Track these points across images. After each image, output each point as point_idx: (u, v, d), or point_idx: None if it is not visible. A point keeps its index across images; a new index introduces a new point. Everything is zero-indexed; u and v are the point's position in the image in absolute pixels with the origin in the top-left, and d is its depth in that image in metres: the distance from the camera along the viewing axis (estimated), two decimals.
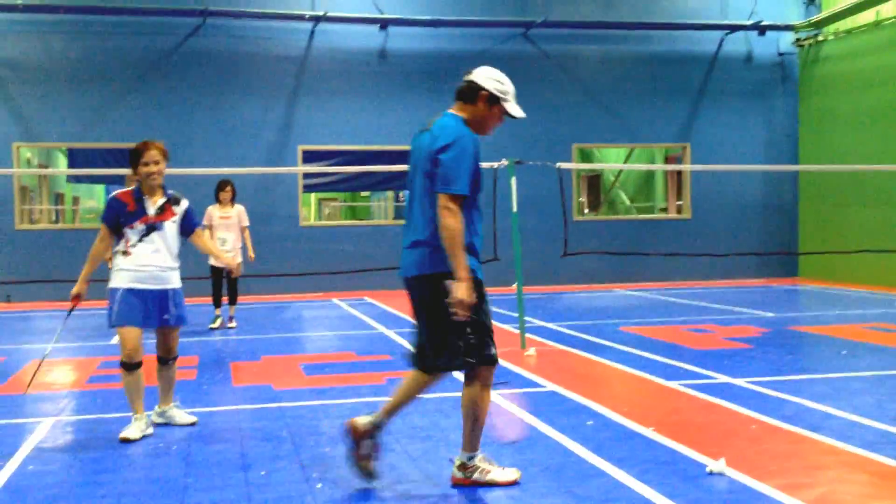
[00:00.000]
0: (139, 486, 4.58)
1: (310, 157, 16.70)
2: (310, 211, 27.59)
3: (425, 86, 16.91)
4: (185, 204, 5.92)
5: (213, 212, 11.11)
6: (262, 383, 7.48)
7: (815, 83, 18.06)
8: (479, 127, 4.53)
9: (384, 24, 16.68)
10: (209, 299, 11.47)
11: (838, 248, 16.19)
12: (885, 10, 16.32)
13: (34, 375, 6.72)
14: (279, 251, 15.64)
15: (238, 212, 11.17)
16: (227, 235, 10.96)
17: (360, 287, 16.01)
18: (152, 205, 5.73)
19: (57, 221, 20.74)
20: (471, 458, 4.50)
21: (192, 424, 5.86)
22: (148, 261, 5.67)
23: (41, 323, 12.54)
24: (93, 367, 8.54)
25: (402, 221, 23.38)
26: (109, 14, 15.64)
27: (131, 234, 5.66)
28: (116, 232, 5.69)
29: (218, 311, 11.44)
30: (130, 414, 5.69)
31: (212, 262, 11.02)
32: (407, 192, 4.53)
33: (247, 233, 11.22)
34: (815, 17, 17.68)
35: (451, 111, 4.57)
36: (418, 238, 4.40)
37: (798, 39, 18.33)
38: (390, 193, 28.91)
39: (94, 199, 24.42)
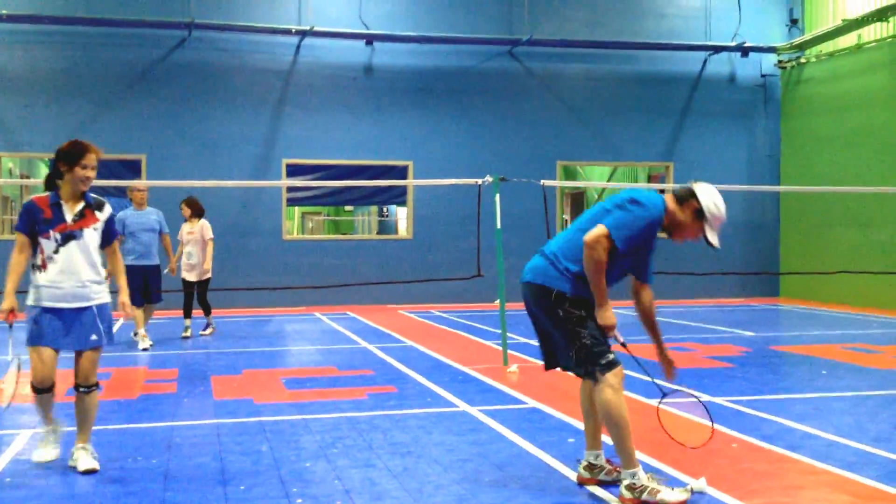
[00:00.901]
0: (118, 499, 4.53)
1: (294, 170, 16.69)
2: (293, 225, 27.54)
3: (411, 101, 16.97)
4: (108, 210, 5.27)
5: (183, 227, 11.83)
6: (243, 397, 7.44)
7: (797, 105, 18.23)
8: (673, 226, 4.76)
9: (370, 39, 16.72)
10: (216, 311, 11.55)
11: (819, 268, 16.31)
12: (866, 34, 16.53)
13: (15, 388, 6.65)
14: (262, 264, 15.60)
15: (201, 226, 11.69)
16: (193, 249, 11.62)
17: (342, 301, 15.98)
18: (70, 210, 5.09)
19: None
20: (634, 476, 4.43)
21: (92, 472, 4.98)
22: (66, 276, 5.03)
23: (19, 334, 12.39)
24: (70, 379, 8.44)
25: (385, 236, 23.19)
26: (94, 25, 15.58)
27: (46, 245, 5.01)
28: (34, 241, 5.04)
29: (188, 322, 11.69)
30: (42, 430, 5.29)
31: (184, 275, 11.64)
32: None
33: (210, 245, 11.67)
34: (798, 40, 17.88)
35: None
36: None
37: (780, 61, 18.52)
38: (374, 208, 28.96)
39: None
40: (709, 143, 18.26)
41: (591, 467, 4.76)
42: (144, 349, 10.34)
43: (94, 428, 6.37)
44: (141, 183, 12.12)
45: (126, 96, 15.87)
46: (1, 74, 15.44)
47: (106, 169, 16.06)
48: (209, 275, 11.67)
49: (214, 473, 5.02)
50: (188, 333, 11.56)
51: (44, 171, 20.06)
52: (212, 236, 11.69)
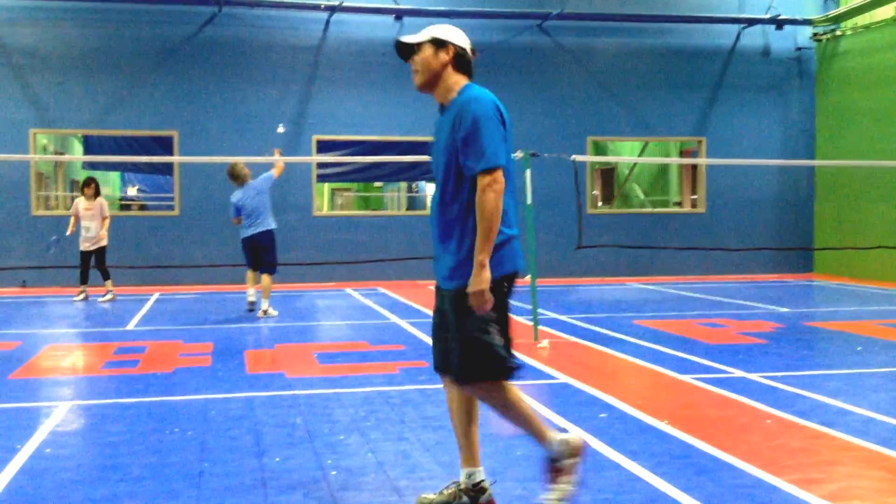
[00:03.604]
0: (155, 470, 4.60)
1: (324, 146, 16.72)
2: (322, 201, 27.62)
3: None
4: None
5: (79, 203, 13.26)
6: (276, 371, 7.51)
7: (833, 78, 17.95)
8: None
9: (399, 14, 16.66)
10: (236, 287, 11.66)
11: (854, 244, 16.12)
12: None
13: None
14: (292, 240, 15.67)
15: (100, 203, 13.27)
16: (91, 224, 13.14)
17: (372, 277, 16.05)
18: None
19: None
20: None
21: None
22: None
23: (56, 308, 12.61)
24: (109, 352, 8.59)
25: (415, 212, 23.25)
26: (125, 2, 15.66)
27: None
28: None
29: (82, 287, 13.36)
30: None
31: (81, 246, 13.24)
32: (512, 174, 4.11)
33: (106, 221, 13.33)
34: (834, 12, 17.57)
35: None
36: None
37: (816, 34, 18.21)
38: (403, 184, 28.95)
39: (109, 186, 24.51)
40: (742, 118, 18.04)
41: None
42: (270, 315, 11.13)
43: (130, 400, 6.48)
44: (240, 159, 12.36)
45: (157, 73, 15.95)
46: (34, 52, 15.57)
47: (139, 145, 16.23)
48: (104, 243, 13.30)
49: (250, 445, 5.08)
50: (80, 297, 13.29)
51: (77, 147, 20.28)
52: (108, 214, 13.38)
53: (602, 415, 5.80)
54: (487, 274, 3.69)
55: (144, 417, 5.79)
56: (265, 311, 11.11)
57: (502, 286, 3.86)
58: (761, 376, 7.07)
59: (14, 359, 8.12)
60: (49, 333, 10.09)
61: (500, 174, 3.72)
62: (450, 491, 4.05)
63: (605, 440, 5.12)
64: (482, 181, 3.70)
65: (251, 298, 11.55)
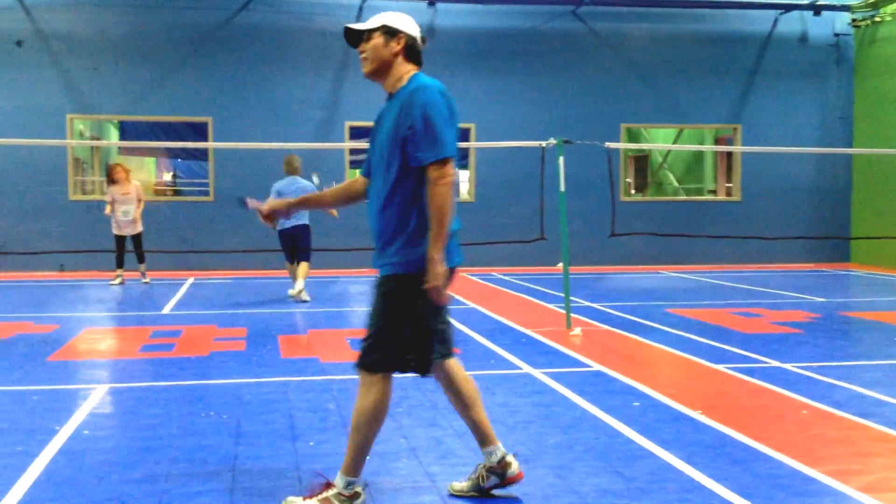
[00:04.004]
0: (191, 453, 4.66)
1: (357, 133, 16.75)
2: None
3: (472, 63, 16.86)
4: None
5: (114, 189, 13.43)
6: (310, 356, 7.56)
7: (872, 65, 17.66)
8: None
9: (432, 0, 16.62)
10: (269, 272, 11.74)
11: (892, 233, 15.88)
12: None
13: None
14: (325, 226, 15.72)
15: (135, 187, 13.59)
16: (130, 208, 13.44)
17: None
18: None
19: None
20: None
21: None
22: None
23: (93, 292, 12.77)
24: (145, 336, 8.69)
25: None
26: None
27: None
28: None
29: (119, 271, 13.59)
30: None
31: (114, 230, 13.46)
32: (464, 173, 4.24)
33: (142, 204, 13.64)
34: None
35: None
36: None
37: (854, 20, 17.93)
38: None
39: (145, 171, 24.74)
40: (779, 105, 17.82)
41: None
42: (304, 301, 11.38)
43: (166, 384, 6.56)
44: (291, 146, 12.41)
45: (192, 59, 16.06)
46: (71, 38, 15.73)
47: (174, 131, 16.36)
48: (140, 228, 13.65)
49: (284, 429, 5.12)
50: (118, 282, 13.55)
51: (113, 133, 20.49)
52: (143, 197, 13.77)
53: (635, 403, 5.78)
54: (442, 268, 3.63)
55: (180, 401, 5.86)
56: (299, 292, 11.30)
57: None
58: (796, 366, 7.01)
59: (52, 341, 8.25)
60: (86, 317, 10.23)
61: (451, 166, 3.66)
62: (477, 474, 4.07)
63: (638, 429, 5.10)
64: (434, 173, 3.61)
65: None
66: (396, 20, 3.96)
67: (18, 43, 15.54)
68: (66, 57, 15.70)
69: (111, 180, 13.53)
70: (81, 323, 9.61)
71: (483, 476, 4.05)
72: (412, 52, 3.98)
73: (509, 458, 4.06)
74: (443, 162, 3.63)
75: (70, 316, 10.22)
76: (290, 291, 11.53)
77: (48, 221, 15.54)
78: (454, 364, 4.06)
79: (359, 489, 3.83)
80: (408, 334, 3.74)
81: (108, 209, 13.44)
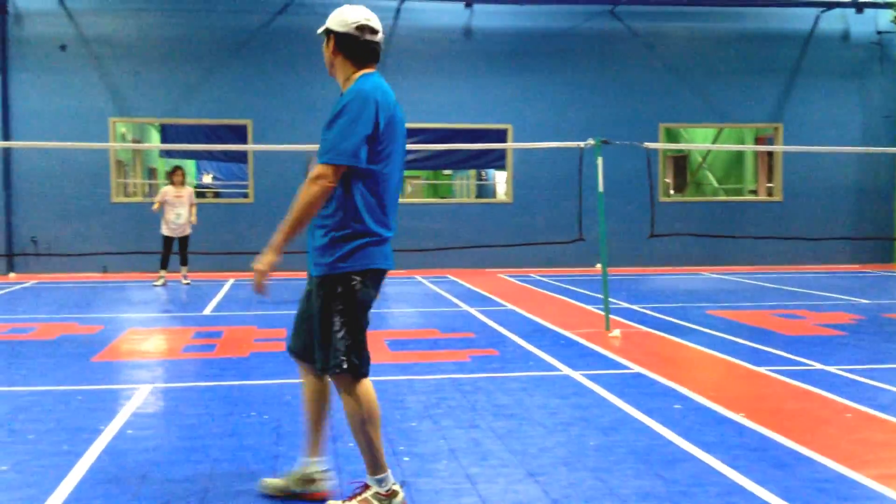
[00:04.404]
0: (232, 453, 4.70)
1: None
2: None
3: (510, 64, 16.84)
4: None
5: (169, 191, 13.62)
6: None
7: None
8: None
9: (469, 1, 16.63)
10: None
11: None
12: None
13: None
14: None
15: (188, 192, 13.79)
16: (182, 211, 13.60)
17: (442, 265, 16.11)
18: None
19: (150, 195, 21.31)
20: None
21: None
22: None
23: (136, 293, 12.94)
24: (187, 336, 8.79)
25: (485, 200, 23.24)
26: None
27: None
28: None
29: (163, 272, 13.71)
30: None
31: (163, 231, 13.64)
32: (396, 177, 3.83)
33: (194, 208, 13.86)
34: None
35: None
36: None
37: None
38: (472, 172, 28.94)
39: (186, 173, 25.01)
40: (820, 104, 17.58)
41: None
42: None
43: (207, 384, 6.62)
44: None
45: (231, 62, 16.22)
46: (112, 42, 15.96)
47: (214, 134, 16.53)
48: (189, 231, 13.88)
49: None
50: (160, 283, 13.68)
51: (154, 135, 20.74)
52: (195, 201, 14.00)
53: (676, 406, 5.74)
54: (272, 257, 3.69)
55: (221, 401, 5.91)
56: None
57: (350, 280, 3.72)
58: (840, 369, 6.91)
59: (96, 342, 8.37)
60: (130, 318, 10.37)
61: (334, 172, 3.56)
62: (291, 477, 4.07)
63: (680, 431, 5.06)
64: (315, 171, 3.57)
65: None
66: (332, 18, 3.79)
67: (62, 47, 15.80)
68: (108, 61, 15.93)
69: (170, 181, 13.77)
70: (125, 324, 9.74)
71: (296, 482, 4.05)
72: (348, 48, 3.75)
73: (318, 475, 4.04)
74: (328, 165, 3.56)
75: (113, 317, 10.36)
76: None
77: (91, 223, 15.78)
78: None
79: (396, 487, 3.84)
80: (343, 333, 3.75)
81: (155, 206, 13.64)
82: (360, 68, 3.78)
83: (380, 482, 3.81)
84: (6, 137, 15.39)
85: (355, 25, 3.73)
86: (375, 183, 3.67)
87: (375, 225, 3.70)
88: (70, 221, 15.75)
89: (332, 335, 3.75)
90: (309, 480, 4.05)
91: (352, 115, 3.57)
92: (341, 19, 3.75)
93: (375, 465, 3.82)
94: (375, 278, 3.81)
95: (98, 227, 15.76)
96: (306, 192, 3.58)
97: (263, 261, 3.72)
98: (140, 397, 6.03)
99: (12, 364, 7.41)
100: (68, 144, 13.74)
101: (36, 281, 14.63)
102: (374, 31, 3.77)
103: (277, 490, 4.06)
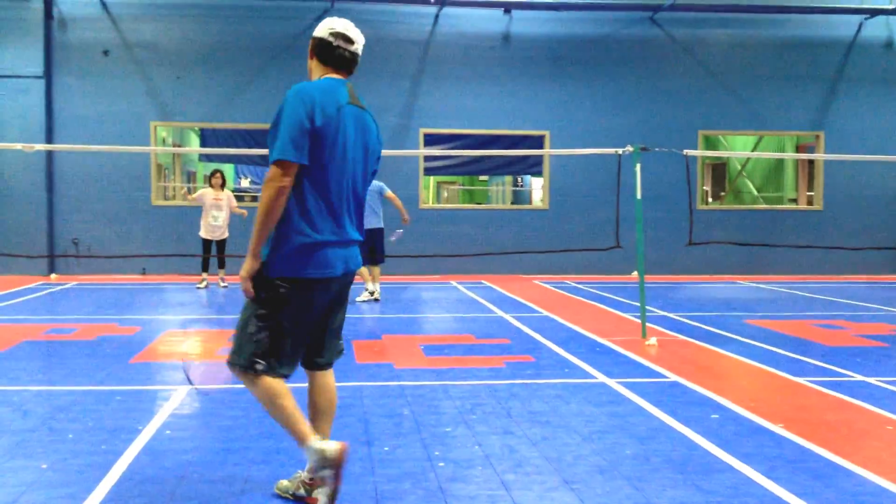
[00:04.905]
0: (269, 455, 4.73)
1: (431, 140, 16.84)
2: (428, 194, 27.82)
3: (548, 70, 16.81)
4: None
5: (207, 193, 13.74)
6: (384, 361, 7.61)
7: None
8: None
9: (508, 7, 16.63)
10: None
11: None
12: None
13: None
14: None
15: (227, 195, 13.95)
16: (220, 214, 13.73)
17: (478, 271, 16.10)
18: None
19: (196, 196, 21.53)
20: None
21: None
22: None
23: (174, 295, 13.08)
24: (223, 339, 8.85)
25: (521, 206, 23.20)
26: None
27: None
28: None
29: (205, 275, 13.82)
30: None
31: (202, 234, 13.67)
32: (346, 178, 3.81)
33: (236, 210, 13.95)
34: None
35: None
36: (361, 236, 3.99)
37: None
38: (508, 178, 28.92)
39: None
40: (863, 112, 17.34)
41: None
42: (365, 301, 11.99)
43: (245, 386, 6.65)
44: None
45: (271, 68, 16.35)
46: (155, 47, 16.17)
47: (252, 139, 16.68)
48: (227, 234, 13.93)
49: (359, 434, 5.16)
50: (203, 285, 13.77)
51: (194, 140, 20.97)
52: (236, 203, 14.11)
53: (714, 415, 5.68)
54: (252, 264, 3.72)
55: (257, 403, 5.93)
56: (372, 294, 12.09)
57: (275, 286, 3.74)
58: (881, 380, 6.80)
59: (135, 343, 8.47)
60: (167, 319, 10.48)
61: (282, 169, 3.60)
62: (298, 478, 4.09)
63: (717, 442, 5.01)
64: (267, 173, 3.63)
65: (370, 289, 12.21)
66: (319, 26, 4.02)
67: (105, 52, 16.04)
68: (150, 66, 16.14)
69: (209, 185, 14.02)
70: (162, 325, 9.85)
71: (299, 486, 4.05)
72: (323, 54, 3.96)
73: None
74: (276, 164, 3.62)
75: (152, 318, 10.48)
76: (366, 294, 11.99)
77: (131, 226, 15.98)
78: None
79: (324, 473, 3.75)
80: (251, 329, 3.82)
81: (191, 197, 14.03)
82: (326, 73, 3.96)
83: (308, 453, 3.80)
84: (50, 141, 15.65)
85: (330, 32, 3.94)
86: (313, 185, 3.69)
87: (310, 228, 3.70)
88: (111, 224, 15.97)
89: (245, 332, 3.83)
90: (308, 483, 4.05)
91: (286, 112, 3.70)
92: (321, 26, 4.00)
93: (297, 439, 3.86)
94: (317, 286, 3.79)
95: (138, 230, 15.96)
96: (262, 195, 3.67)
97: (245, 267, 3.78)
98: (177, 398, 6.09)
99: (53, 364, 7.52)
100: (110, 148, 13.95)
101: (77, 282, 14.84)
102: (349, 41, 3.95)
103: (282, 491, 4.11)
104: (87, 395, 6.20)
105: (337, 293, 3.95)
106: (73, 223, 15.98)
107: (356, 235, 3.93)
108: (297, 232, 3.70)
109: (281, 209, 3.65)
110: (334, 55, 3.94)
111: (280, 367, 3.87)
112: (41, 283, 14.66)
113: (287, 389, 3.89)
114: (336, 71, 3.97)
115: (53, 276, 15.56)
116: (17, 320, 10.10)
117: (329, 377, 4.18)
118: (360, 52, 4.02)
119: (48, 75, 15.90)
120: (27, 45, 15.78)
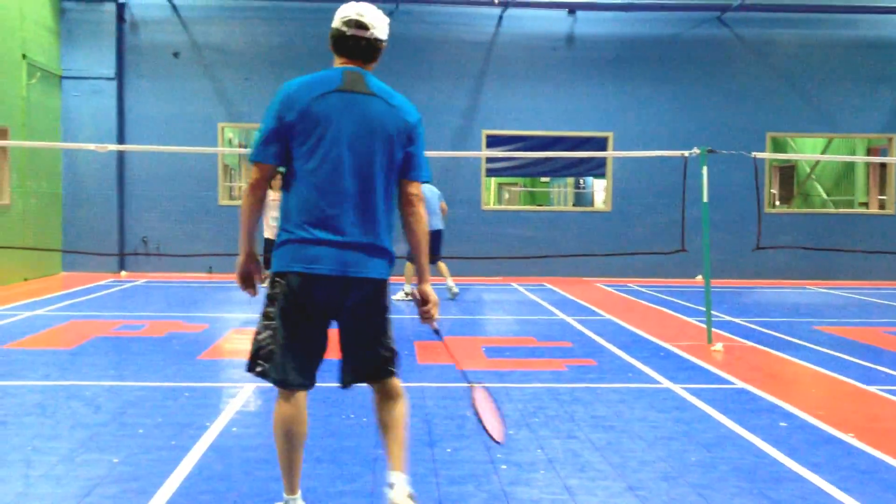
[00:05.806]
0: (332, 454, 4.78)
1: (493, 141, 16.82)
2: (490, 195, 27.80)
3: (612, 71, 16.68)
4: None
5: (269, 194, 13.45)
6: (446, 363, 7.62)
7: None
8: None
9: (573, 8, 16.54)
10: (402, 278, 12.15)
11: None
12: None
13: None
14: (461, 234, 15.85)
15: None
16: (277, 213, 13.29)
17: (539, 273, 16.03)
18: None
19: None
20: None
21: None
22: None
23: (239, 294, 13.23)
24: None
25: (583, 208, 23.06)
26: (308, 1, 16.31)
27: None
28: None
29: (267, 273, 13.51)
30: None
31: (265, 234, 12.99)
32: (343, 171, 3.59)
33: None
34: None
35: (370, 73, 3.83)
36: (382, 241, 3.67)
37: None
38: (570, 180, 28.74)
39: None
40: None
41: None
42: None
43: None
44: None
45: None
46: (223, 49, 16.45)
47: None
48: None
49: (422, 435, 5.18)
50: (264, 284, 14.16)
51: None
52: None
53: (782, 424, 5.57)
54: (240, 259, 3.83)
55: (321, 402, 6.00)
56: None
57: (273, 282, 3.75)
58: None
59: (202, 341, 8.63)
60: (233, 318, 10.65)
61: (256, 172, 3.65)
62: None
63: (786, 451, 4.91)
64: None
65: (408, 289, 12.25)
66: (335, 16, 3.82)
67: (175, 54, 16.37)
68: (218, 67, 16.43)
69: (271, 186, 14.17)
70: (228, 323, 10.01)
71: None
72: (336, 43, 3.82)
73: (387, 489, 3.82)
74: (252, 164, 3.69)
75: (218, 316, 10.66)
76: (401, 294, 12.10)
77: (199, 225, 16.28)
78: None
79: None
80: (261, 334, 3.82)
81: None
82: (342, 63, 3.85)
83: None
84: (121, 141, 16.02)
85: (343, 21, 3.76)
86: (299, 182, 3.62)
87: (296, 226, 3.62)
88: (179, 223, 16.29)
89: (254, 333, 3.87)
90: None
91: (265, 112, 3.72)
92: (335, 15, 3.81)
93: (286, 484, 3.78)
94: (303, 282, 3.60)
95: (205, 229, 16.24)
96: (243, 195, 3.74)
97: (236, 264, 3.86)
98: (243, 396, 6.18)
99: (124, 360, 7.69)
100: (179, 149, 14.24)
101: (146, 280, 15.17)
102: (363, 27, 3.73)
103: None
104: (156, 390, 6.33)
105: (338, 297, 3.65)
106: (143, 222, 16.34)
107: (361, 238, 3.59)
108: (284, 229, 3.68)
109: (255, 208, 3.70)
110: (347, 45, 3.76)
111: (283, 372, 3.71)
112: (112, 280, 15.02)
113: (298, 428, 3.71)
114: (350, 60, 3.78)
115: (123, 273, 15.93)
116: (89, 317, 10.36)
117: (386, 392, 3.97)
118: (380, 36, 3.78)
119: (120, 77, 16.28)
120: (100, 48, 16.17)
